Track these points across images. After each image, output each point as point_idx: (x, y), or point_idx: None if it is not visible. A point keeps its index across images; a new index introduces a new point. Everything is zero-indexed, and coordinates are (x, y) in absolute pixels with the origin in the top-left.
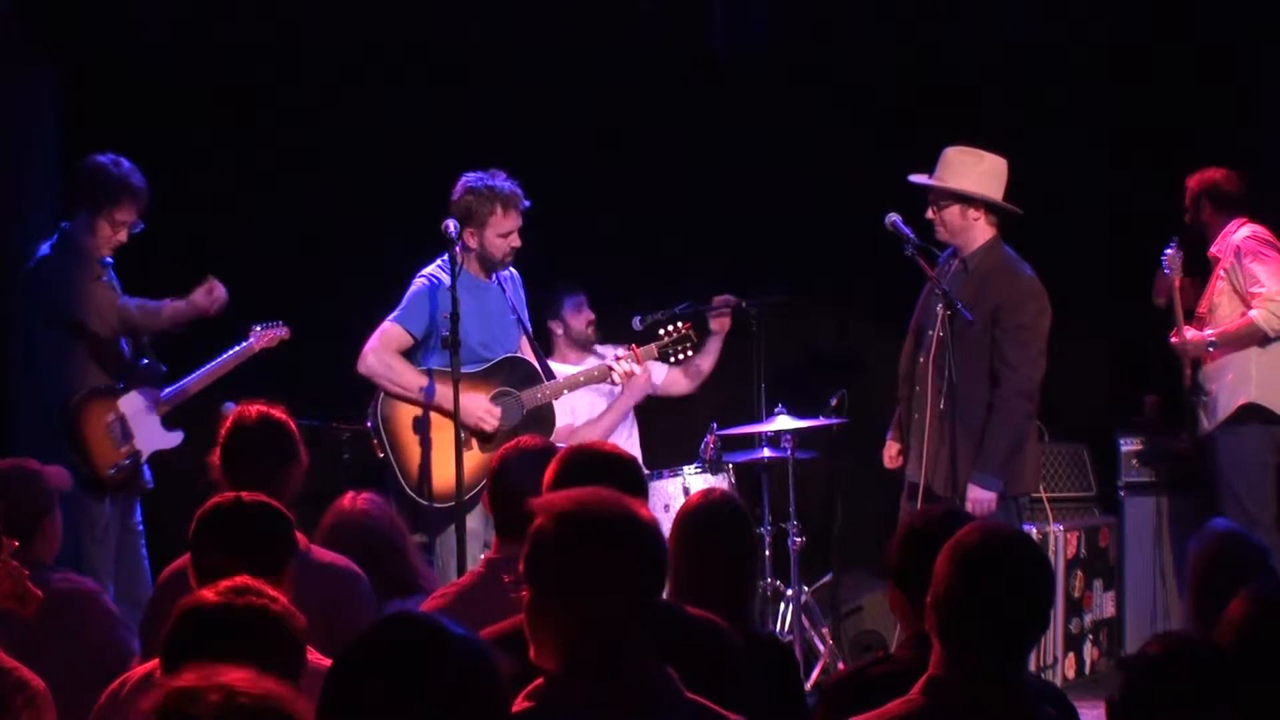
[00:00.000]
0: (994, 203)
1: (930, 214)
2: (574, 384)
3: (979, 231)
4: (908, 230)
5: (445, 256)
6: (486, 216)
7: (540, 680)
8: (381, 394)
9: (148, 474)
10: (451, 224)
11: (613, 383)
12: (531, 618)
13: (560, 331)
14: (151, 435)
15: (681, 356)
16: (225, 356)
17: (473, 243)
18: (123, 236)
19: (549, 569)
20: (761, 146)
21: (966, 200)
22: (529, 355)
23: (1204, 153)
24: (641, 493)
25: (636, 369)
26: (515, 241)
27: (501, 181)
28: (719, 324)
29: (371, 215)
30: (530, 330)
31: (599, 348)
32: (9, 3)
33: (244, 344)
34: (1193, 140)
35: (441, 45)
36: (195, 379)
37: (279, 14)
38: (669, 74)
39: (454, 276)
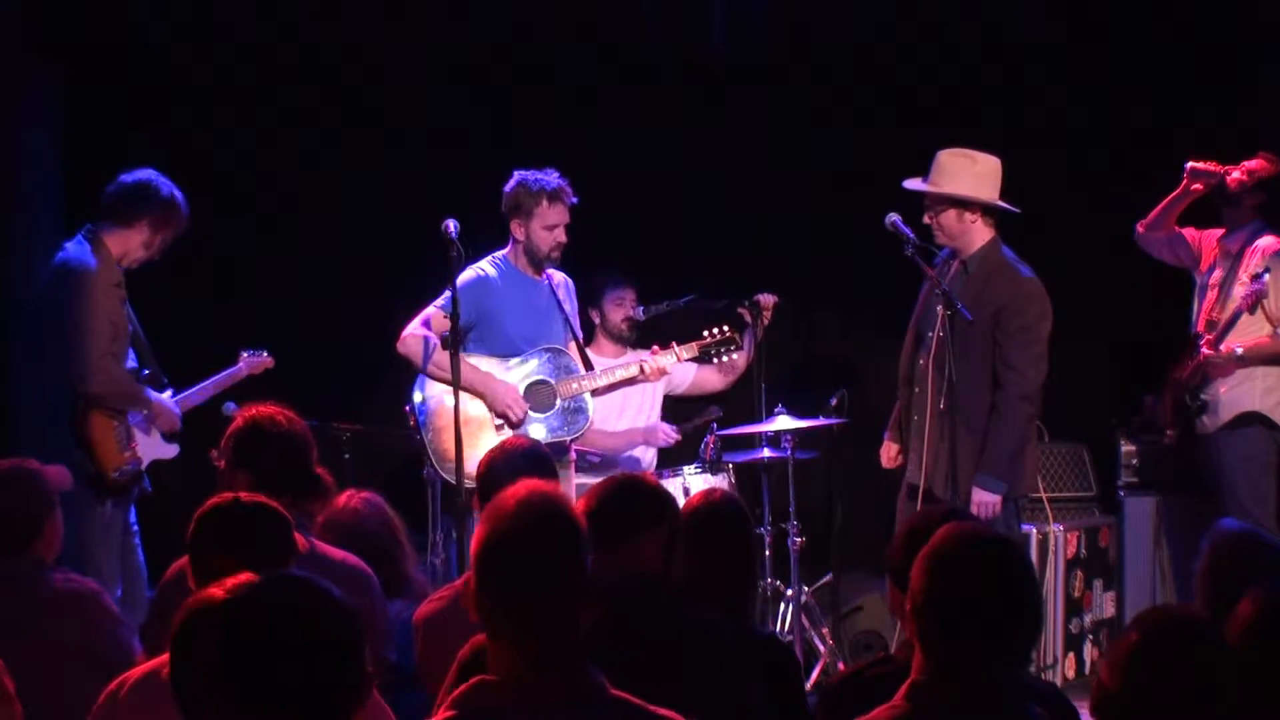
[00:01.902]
0: (990, 204)
1: (927, 219)
2: (610, 379)
3: (977, 234)
4: (908, 230)
5: (496, 252)
6: (533, 208)
7: (463, 687)
8: (422, 377)
9: (145, 479)
10: (451, 224)
11: (643, 376)
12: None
13: (597, 321)
14: (152, 444)
15: (726, 359)
16: (217, 378)
17: (520, 234)
18: (156, 255)
19: (478, 572)
20: (761, 146)
21: (962, 204)
22: (573, 352)
23: (1203, 153)
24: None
25: (667, 364)
26: (561, 236)
27: (551, 177)
28: (764, 319)
29: (372, 215)
30: (579, 336)
31: (633, 352)
32: (9, 3)
33: (233, 369)
34: (1193, 140)
35: (441, 45)
36: (188, 395)
37: (279, 14)
38: (669, 74)
39: (453, 276)
